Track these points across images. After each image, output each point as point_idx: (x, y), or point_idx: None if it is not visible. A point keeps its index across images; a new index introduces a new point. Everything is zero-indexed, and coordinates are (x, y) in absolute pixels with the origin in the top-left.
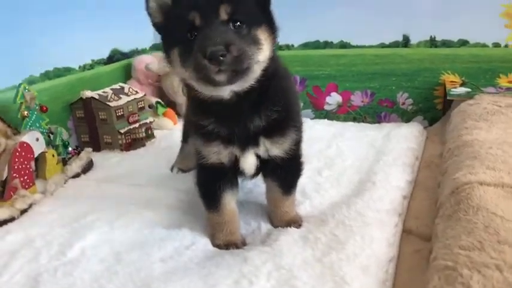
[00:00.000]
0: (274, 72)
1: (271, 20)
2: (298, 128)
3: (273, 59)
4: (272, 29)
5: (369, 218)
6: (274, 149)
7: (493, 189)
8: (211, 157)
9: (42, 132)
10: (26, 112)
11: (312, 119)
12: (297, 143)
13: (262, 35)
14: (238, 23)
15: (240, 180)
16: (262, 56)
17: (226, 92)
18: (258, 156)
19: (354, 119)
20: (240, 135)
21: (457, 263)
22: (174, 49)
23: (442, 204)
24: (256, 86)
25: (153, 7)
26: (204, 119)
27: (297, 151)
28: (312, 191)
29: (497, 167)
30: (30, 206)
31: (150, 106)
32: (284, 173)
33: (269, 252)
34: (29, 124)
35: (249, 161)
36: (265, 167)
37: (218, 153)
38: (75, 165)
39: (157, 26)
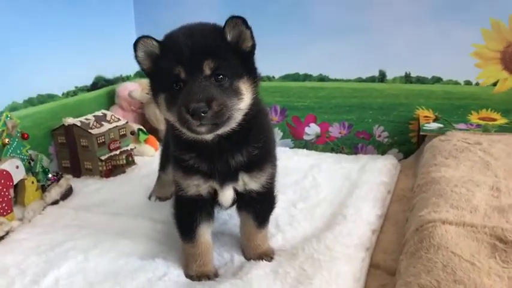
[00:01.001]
0: (255, 113)
1: (254, 71)
2: (274, 163)
3: (255, 102)
4: (254, 78)
5: (337, 252)
6: (252, 183)
7: (454, 228)
8: (190, 189)
9: (22, 159)
10: (7, 140)
11: (291, 148)
12: (273, 177)
13: (243, 86)
14: (221, 76)
15: (215, 210)
16: (243, 104)
17: (209, 136)
18: (235, 190)
19: (332, 150)
20: (221, 170)
21: None
22: (160, 95)
23: (407, 240)
24: (238, 128)
25: (142, 56)
26: (186, 154)
27: (272, 184)
28: (286, 224)
29: (460, 206)
30: (7, 233)
31: (132, 133)
32: (258, 206)
33: (239, 285)
34: (10, 151)
35: (227, 195)
36: (241, 199)
37: (197, 186)
38: (54, 192)
39: (146, 72)
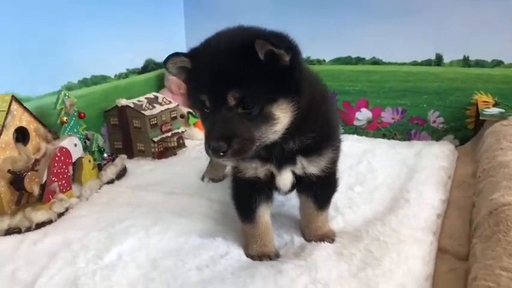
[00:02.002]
0: (308, 106)
1: (295, 86)
2: (336, 147)
3: (306, 97)
4: (294, 96)
5: (404, 235)
6: (311, 167)
7: None
8: (248, 171)
9: (79, 138)
10: (65, 118)
11: (340, 133)
12: (334, 161)
13: (278, 109)
14: (249, 104)
15: (274, 193)
16: (278, 127)
17: None
18: (293, 173)
19: (384, 136)
20: (277, 155)
21: (499, 284)
22: (196, 109)
23: (479, 224)
24: (286, 130)
25: (175, 71)
26: None
27: (333, 169)
28: (345, 207)
29: None
30: (67, 209)
31: (181, 116)
32: (319, 189)
33: (304, 265)
34: (68, 130)
35: (285, 178)
36: (301, 183)
37: (255, 169)
38: (110, 172)
39: (184, 82)
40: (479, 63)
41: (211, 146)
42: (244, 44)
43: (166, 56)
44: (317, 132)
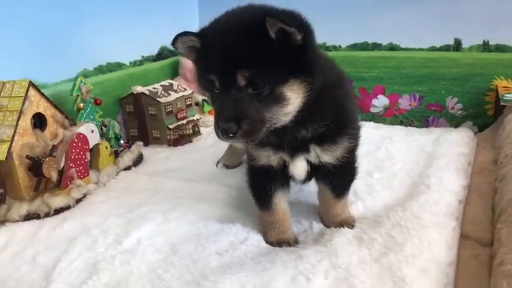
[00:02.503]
0: (321, 94)
1: (308, 66)
2: (353, 135)
3: (320, 81)
4: (306, 76)
5: (426, 220)
6: (326, 156)
7: None
8: (261, 159)
9: (96, 125)
10: (81, 104)
11: None
12: (351, 150)
13: (289, 90)
14: (259, 84)
15: (290, 182)
16: (289, 109)
17: None
18: (308, 162)
19: (401, 123)
20: (289, 143)
21: None
22: (206, 90)
23: (503, 209)
24: (298, 113)
25: (184, 51)
26: None
27: (351, 158)
28: (364, 193)
29: None
30: (85, 195)
31: (196, 103)
32: (336, 178)
33: (324, 251)
34: (84, 116)
35: (298, 167)
36: (317, 172)
37: (268, 157)
38: (127, 158)
39: (194, 63)
40: (500, 48)
41: (221, 127)
42: (255, 22)
43: (174, 37)
44: (331, 120)
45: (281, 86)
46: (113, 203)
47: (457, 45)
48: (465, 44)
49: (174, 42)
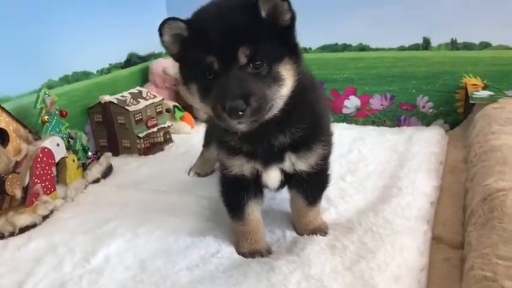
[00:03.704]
0: (299, 92)
1: (294, 47)
2: (327, 142)
3: (299, 79)
4: (296, 57)
5: (398, 225)
6: (300, 163)
7: None
8: (234, 169)
9: (62, 137)
10: (46, 117)
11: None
12: (324, 157)
13: (284, 69)
14: (259, 62)
15: (264, 190)
16: (285, 90)
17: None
18: (282, 171)
19: (373, 123)
20: (263, 151)
21: (496, 273)
22: (192, 83)
23: (474, 211)
24: (280, 111)
25: (168, 40)
26: (227, 136)
27: (324, 165)
28: (337, 198)
29: None
30: (52, 211)
31: (167, 110)
32: (309, 186)
33: (296, 261)
34: (49, 129)
35: (272, 176)
36: (290, 180)
37: (240, 166)
38: (95, 170)
39: (175, 57)
40: (467, 46)
41: (229, 106)
42: (247, 2)
43: (161, 22)
44: (307, 124)
45: (278, 64)
46: (81, 219)
47: (426, 44)
48: (434, 43)
49: (161, 28)
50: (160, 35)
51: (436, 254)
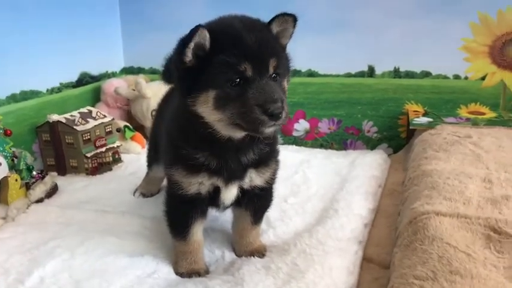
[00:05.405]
0: None
1: (288, 69)
2: (277, 158)
3: None
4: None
5: (329, 246)
6: (258, 178)
7: (448, 219)
8: (191, 188)
9: (5, 156)
10: None
11: (280, 144)
12: (276, 172)
13: (287, 84)
14: (276, 75)
15: (209, 209)
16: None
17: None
18: (240, 187)
19: (321, 146)
20: (230, 168)
21: None
22: (208, 92)
23: (400, 233)
24: None
25: (191, 48)
26: (198, 152)
27: (273, 180)
28: (277, 220)
29: (453, 198)
30: None
31: (118, 130)
32: (259, 202)
33: (231, 280)
34: None
35: (231, 193)
36: (243, 196)
37: (200, 184)
38: (39, 190)
39: (184, 66)
40: (409, 75)
41: (273, 109)
42: (260, 20)
43: (189, 31)
44: (272, 141)
45: (284, 78)
46: (20, 239)
47: (371, 72)
48: (378, 71)
49: (192, 34)
50: (189, 40)
51: (366, 273)
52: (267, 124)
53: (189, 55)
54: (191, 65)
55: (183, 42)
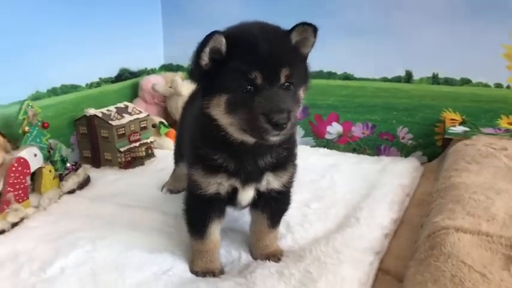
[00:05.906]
0: None
1: (308, 76)
2: (295, 162)
3: None
4: (307, 84)
5: (345, 255)
6: (275, 182)
7: (468, 236)
8: (210, 188)
9: (42, 148)
10: (27, 128)
11: (312, 146)
12: (293, 175)
13: (302, 93)
14: (289, 84)
15: (227, 208)
16: (298, 112)
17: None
18: (257, 190)
19: (354, 150)
20: (248, 170)
21: None
22: (220, 96)
23: (418, 247)
24: None
25: (206, 52)
26: (217, 154)
27: (291, 184)
28: (296, 225)
29: (477, 214)
30: (22, 219)
31: (153, 125)
32: (276, 205)
33: (243, 283)
34: (30, 139)
35: (248, 194)
36: (260, 198)
37: (219, 185)
38: (72, 182)
39: (200, 69)
40: (448, 81)
41: (277, 119)
42: (281, 28)
43: (205, 36)
44: (291, 145)
45: (300, 88)
46: (48, 228)
47: (408, 77)
48: (416, 76)
49: (207, 39)
50: (205, 45)
51: (380, 285)
52: (270, 133)
53: (205, 59)
54: (208, 68)
55: (200, 47)
